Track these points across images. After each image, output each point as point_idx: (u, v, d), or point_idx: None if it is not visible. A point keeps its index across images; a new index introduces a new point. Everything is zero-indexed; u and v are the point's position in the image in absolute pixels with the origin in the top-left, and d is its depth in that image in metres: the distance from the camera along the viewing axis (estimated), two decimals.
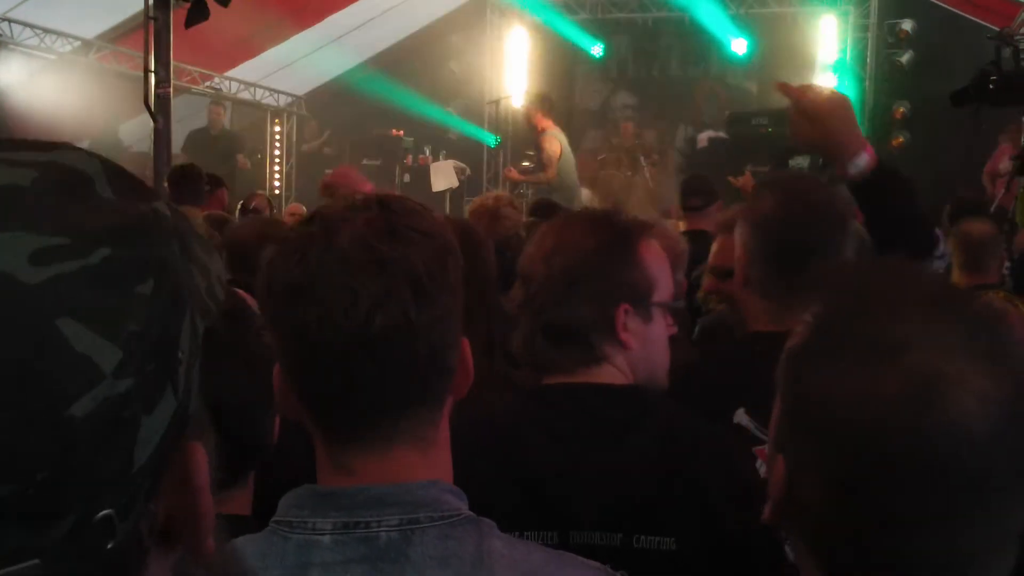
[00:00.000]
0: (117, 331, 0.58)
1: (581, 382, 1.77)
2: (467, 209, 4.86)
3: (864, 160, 2.06)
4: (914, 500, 0.88)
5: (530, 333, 1.81)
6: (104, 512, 0.58)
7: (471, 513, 1.16)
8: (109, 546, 0.59)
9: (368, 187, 3.27)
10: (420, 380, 1.15)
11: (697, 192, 5.75)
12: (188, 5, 8.04)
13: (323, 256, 1.10)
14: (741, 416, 2.04)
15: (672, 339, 1.90)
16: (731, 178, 7.30)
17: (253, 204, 7.91)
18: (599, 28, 15.66)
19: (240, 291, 1.60)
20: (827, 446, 0.91)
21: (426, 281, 1.11)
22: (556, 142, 9.53)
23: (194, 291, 0.67)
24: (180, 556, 0.70)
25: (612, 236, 1.80)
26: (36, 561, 0.55)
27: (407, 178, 15.03)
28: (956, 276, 4.00)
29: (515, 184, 10.86)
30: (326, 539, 1.11)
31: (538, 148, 9.82)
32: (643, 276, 1.80)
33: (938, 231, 5.20)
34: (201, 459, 0.69)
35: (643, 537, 1.63)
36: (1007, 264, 5.44)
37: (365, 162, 15.89)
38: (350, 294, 1.09)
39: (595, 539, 1.64)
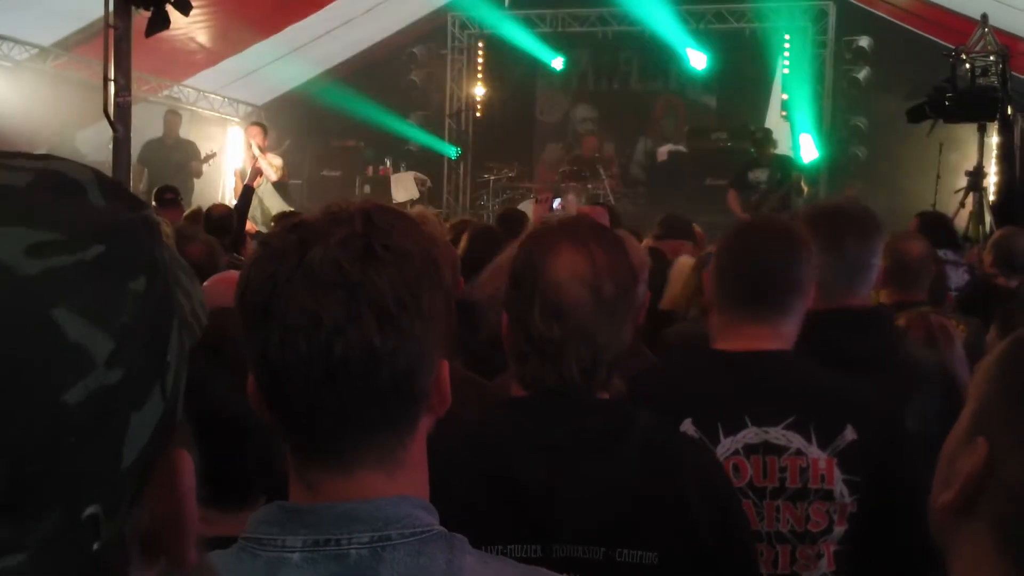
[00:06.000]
0: (110, 322, 0.58)
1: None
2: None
3: None
4: None
5: (567, 368, 1.70)
6: (91, 510, 0.57)
7: (443, 529, 1.14)
8: (95, 547, 0.58)
9: None
10: (383, 407, 1.13)
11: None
12: (148, 13, 7.97)
13: (291, 274, 1.09)
14: (688, 426, 2.12)
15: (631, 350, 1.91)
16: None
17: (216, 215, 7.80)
18: (560, 41, 15.71)
19: None
20: None
21: (393, 307, 1.08)
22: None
23: (180, 308, 0.68)
24: (162, 569, 0.69)
25: (625, 256, 1.80)
26: (22, 557, 0.55)
27: (367, 189, 15.00)
28: (885, 292, 4.02)
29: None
30: (296, 557, 1.09)
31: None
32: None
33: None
34: (187, 466, 0.69)
35: (626, 551, 1.62)
36: (966, 278, 5.51)
37: (325, 173, 15.85)
38: (312, 318, 1.07)
39: (577, 553, 1.62)
